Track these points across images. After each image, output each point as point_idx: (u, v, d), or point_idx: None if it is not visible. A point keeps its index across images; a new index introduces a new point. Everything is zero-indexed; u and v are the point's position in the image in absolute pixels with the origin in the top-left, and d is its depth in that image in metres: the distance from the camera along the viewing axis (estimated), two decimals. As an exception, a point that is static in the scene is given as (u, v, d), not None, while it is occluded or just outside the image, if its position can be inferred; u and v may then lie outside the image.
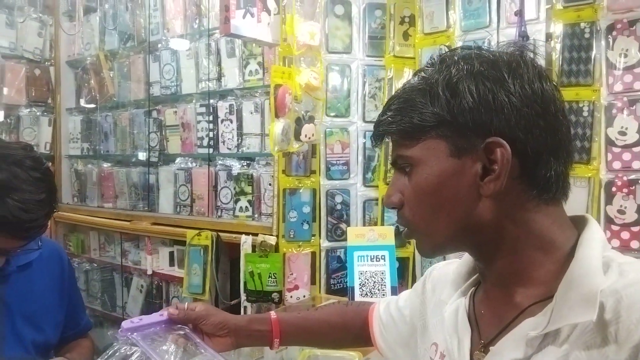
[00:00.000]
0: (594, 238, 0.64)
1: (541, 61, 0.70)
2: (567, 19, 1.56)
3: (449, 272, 0.82)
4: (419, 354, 0.86)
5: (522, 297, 0.67)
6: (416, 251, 1.73)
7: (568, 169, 0.66)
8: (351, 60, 1.96)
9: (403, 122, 0.67)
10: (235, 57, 2.24)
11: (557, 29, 1.58)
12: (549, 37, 1.60)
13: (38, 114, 2.93)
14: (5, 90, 2.76)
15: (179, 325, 0.95)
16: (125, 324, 0.92)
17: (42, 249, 1.36)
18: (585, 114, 1.54)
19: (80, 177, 2.99)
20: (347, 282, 1.86)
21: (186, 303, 0.99)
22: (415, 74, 0.71)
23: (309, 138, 1.86)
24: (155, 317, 0.95)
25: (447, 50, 0.71)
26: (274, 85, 1.78)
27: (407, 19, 1.92)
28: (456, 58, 0.67)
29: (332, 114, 1.95)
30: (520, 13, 1.56)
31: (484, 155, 0.63)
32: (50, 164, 2.94)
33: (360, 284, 1.67)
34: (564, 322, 0.60)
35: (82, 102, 3.00)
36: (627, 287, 0.58)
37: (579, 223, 0.68)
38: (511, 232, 0.66)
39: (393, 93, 0.74)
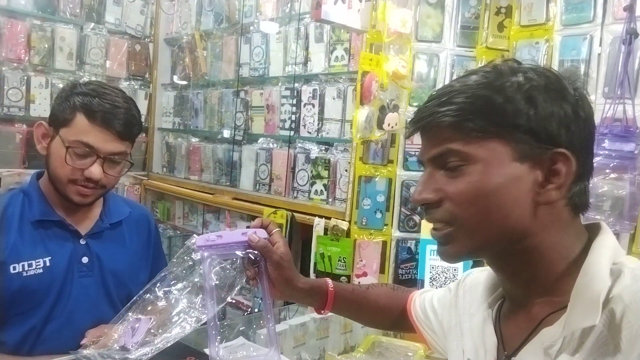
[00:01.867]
0: (604, 245, 0.66)
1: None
2: (685, 16, 1.43)
3: (480, 281, 0.84)
4: (449, 351, 0.89)
5: (540, 308, 0.69)
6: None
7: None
8: (440, 50, 1.91)
9: (468, 118, 0.66)
10: (322, 42, 2.26)
11: (672, 26, 1.45)
12: (661, 35, 1.47)
13: (136, 87, 3.11)
14: (108, 64, 2.96)
15: (256, 253, 0.93)
16: (199, 241, 0.91)
17: (132, 209, 1.48)
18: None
19: (170, 149, 3.16)
20: (416, 274, 1.85)
21: (273, 232, 0.96)
22: (471, 73, 0.70)
23: (392, 127, 1.83)
24: (236, 235, 0.93)
25: (507, 58, 0.74)
26: (361, 72, 1.77)
27: (503, 10, 1.84)
28: (525, 68, 0.68)
29: (415, 104, 1.91)
30: (630, 8, 1.45)
31: (548, 164, 0.65)
32: (144, 135, 3.16)
33: (431, 278, 1.66)
34: (571, 328, 0.61)
35: (176, 79, 3.15)
36: (637, 293, 0.59)
37: (592, 230, 0.69)
38: (545, 241, 0.67)
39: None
